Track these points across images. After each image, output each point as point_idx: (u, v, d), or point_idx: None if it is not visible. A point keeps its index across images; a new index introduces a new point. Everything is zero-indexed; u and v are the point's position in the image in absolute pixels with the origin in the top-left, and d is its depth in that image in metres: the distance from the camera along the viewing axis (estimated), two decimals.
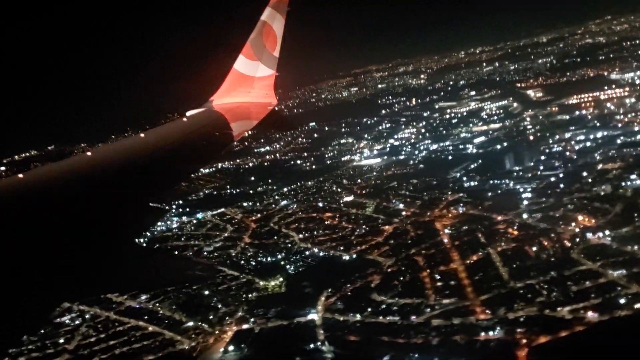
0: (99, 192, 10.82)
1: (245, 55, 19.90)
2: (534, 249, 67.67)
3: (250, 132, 20.15)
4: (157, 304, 73.70)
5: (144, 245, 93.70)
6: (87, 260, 9.29)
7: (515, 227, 74.46)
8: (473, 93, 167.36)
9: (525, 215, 77.14)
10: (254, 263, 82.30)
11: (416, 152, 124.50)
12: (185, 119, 17.66)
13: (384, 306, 63.81)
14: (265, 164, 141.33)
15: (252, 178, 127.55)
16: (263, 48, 19.90)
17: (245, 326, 66.44)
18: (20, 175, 10.65)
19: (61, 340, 69.06)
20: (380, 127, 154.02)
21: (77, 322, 72.65)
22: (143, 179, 12.17)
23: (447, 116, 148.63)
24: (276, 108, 20.56)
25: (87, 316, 73.36)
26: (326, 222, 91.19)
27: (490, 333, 55.15)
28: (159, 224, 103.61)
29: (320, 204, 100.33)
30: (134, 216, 11.29)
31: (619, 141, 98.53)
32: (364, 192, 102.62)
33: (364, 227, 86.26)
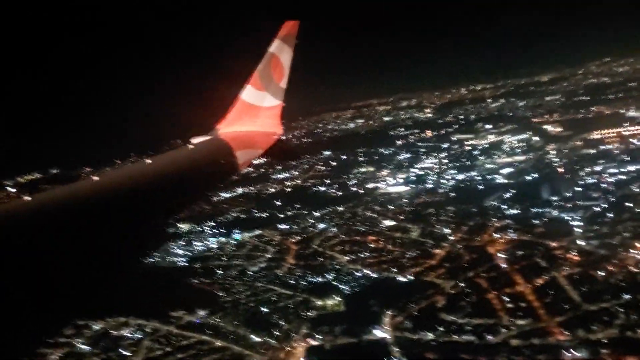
0: (111, 216, 11.46)
1: (253, 86, 20.58)
2: (600, 273, 68.54)
3: (256, 161, 20.70)
4: (218, 320, 73.64)
5: (185, 264, 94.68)
6: (112, 280, 10.13)
7: (574, 253, 75.34)
8: (489, 126, 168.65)
9: (581, 242, 78.11)
10: (304, 283, 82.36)
11: (443, 181, 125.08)
12: (191, 146, 18.33)
13: (455, 326, 64.26)
14: (287, 189, 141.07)
15: (278, 203, 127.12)
16: (270, 79, 20.63)
17: (313, 342, 66.56)
18: (29, 198, 11.31)
19: (127, 353, 68.81)
20: (400, 157, 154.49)
21: (138, 335, 72.34)
22: (151, 203, 12.81)
23: (468, 148, 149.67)
24: (282, 138, 21.18)
25: (147, 329, 73.05)
26: (371, 246, 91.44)
27: (576, 354, 55.74)
28: (198, 244, 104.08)
29: (362, 228, 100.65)
30: (146, 239, 12.00)
31: None
32: (402, 217, 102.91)
33: (413, 250, 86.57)
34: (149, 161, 15.72)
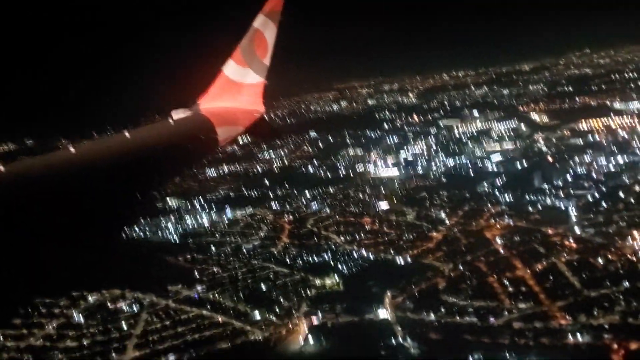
0: (87, 188, 11.09)
1: (235, 61, 20.12)
2: (599, 261, 69.62)
3: (240, 139, 20.52)
4: (217, 295, 73.70)
5: (177, 240, 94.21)
6: (103, 253, 10.16)
7: (571, 241, 76.39)
8: (475, 113, 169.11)
9: (577, 230, 79.25)
10: (300, 262, 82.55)
11: (433, 166, 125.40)
12: (170, 121, 17.94)
13: (457, 308, 65.02)
14: (275, 169, 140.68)
15: (267, 182, 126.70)
16: (254, 55, 20.13)
17: (315, 320, 66.94)
18: (2, 168, 10.79)
19: (124, 326, 68.58)
20: (388, 141, 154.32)
21: (135, 308, 72.13)
22: (129, 177, 12.52)
23: (456, 134, 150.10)
24: (264, 116, 20.91)
25: (144, 303, 72.83)
26: (367, 227, 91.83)
27: (579, 338, 56.75)
28: (189, 220, 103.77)
29: (356, 210, 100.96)
30: (135, 213, 11.92)
31: None
32: (395, 200, 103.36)
33: (409, 233, 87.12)
34: (127, 135, 15.31)
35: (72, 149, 13.07)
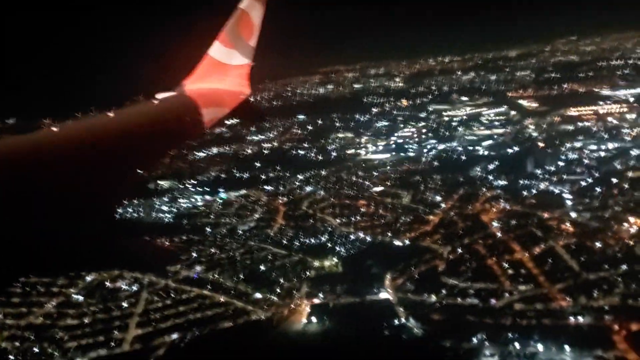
0: (72, 168, 10.94)
1: (221, 42, 20.04)
2: (597, 244, 70.43)
3: (228, 121, 20.45)
4: (217, 275, 73.73)
5: (171, 220, 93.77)
6: (97, 233, 10.04)
7: (568, 225, 77.13)
8: (464, 98, 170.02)
9: (573, 214, 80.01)
10: (297, 243, 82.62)
11: (424, 150, 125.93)
12: (155, 102, 17.92)
13: (457, 290, 65.55)
14: (265, 151, 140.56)
15: (258, 164, 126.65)
16: (240, 36, 20.13)
17: (316, 301, 67.19)
18: None
19: (125, 305, 68.47)
20: (377, 125, 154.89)
21: (134, 288, 72.01)
22: (114, 156, 12.43)
23: (445, 118, 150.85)
24: (250, 98, 21.05)
25: (143, 283, 72.71)
26: (362, 210, 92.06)
27: (580, 319, 57.56)
28: (182, 201, 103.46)
29: (350, 192, 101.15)
30: (125, 193, 11.93)
31: (633, 153, 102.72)
32: (389, 183, 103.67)
33: (406, 216, 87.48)
34: (111, 115, 15.25)
35: (54, 129, 12.97)
